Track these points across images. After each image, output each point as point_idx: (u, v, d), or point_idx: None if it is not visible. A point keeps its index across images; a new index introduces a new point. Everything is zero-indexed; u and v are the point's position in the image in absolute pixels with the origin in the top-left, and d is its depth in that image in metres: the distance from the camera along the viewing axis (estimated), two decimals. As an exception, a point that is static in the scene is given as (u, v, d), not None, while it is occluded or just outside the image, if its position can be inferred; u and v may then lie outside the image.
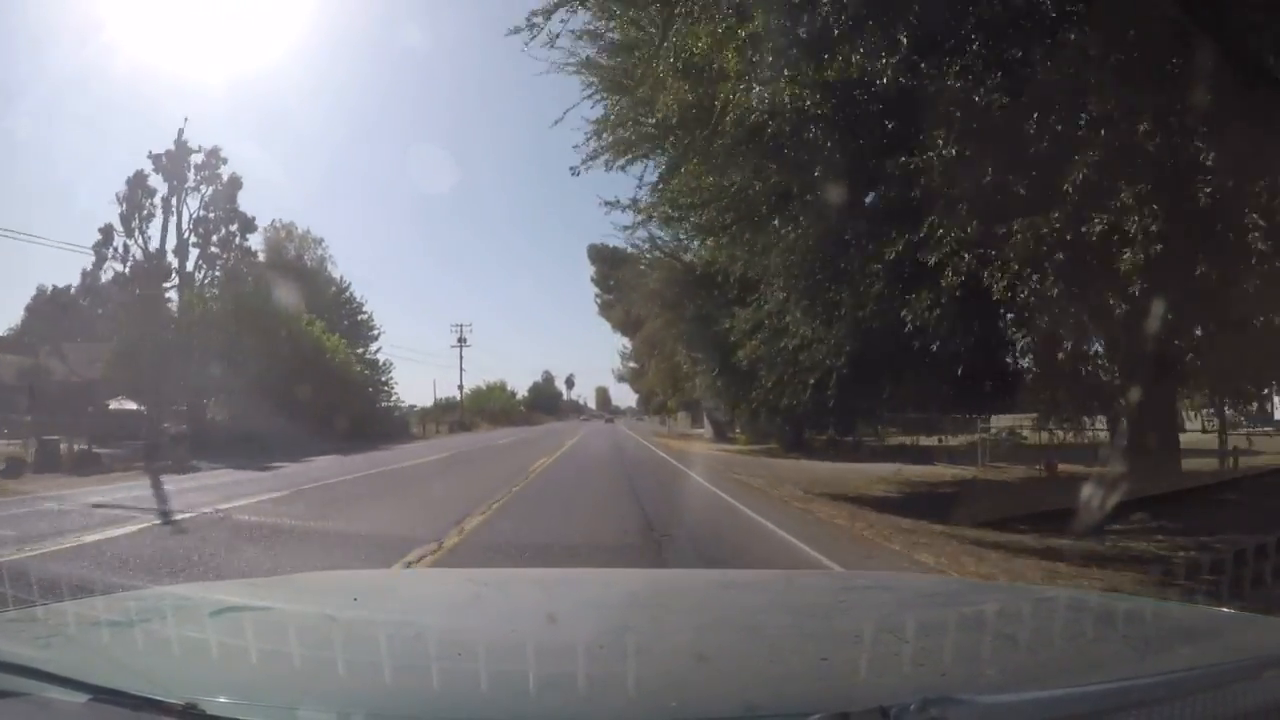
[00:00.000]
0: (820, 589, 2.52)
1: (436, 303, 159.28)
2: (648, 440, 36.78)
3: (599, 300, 54.46)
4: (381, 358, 47.08)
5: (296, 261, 41.58)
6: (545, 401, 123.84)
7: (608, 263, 45.75)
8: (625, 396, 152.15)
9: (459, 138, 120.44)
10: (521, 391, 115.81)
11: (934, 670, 1.33)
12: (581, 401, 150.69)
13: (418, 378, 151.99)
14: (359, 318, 46.50)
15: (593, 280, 52.48)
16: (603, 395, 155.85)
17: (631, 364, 58.70)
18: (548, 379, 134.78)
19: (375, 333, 47.41)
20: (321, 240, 45.70)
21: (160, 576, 5.84)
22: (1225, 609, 1.91)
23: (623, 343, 57.42)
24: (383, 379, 46.16)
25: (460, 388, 69.96)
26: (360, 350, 43.80)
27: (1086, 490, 8.43)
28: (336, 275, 46.52)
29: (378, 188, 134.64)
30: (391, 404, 48.12)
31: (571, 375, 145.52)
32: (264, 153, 74.69)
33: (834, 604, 2.07)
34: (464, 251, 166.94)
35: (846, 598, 2.15)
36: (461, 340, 68.92)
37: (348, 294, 46.28)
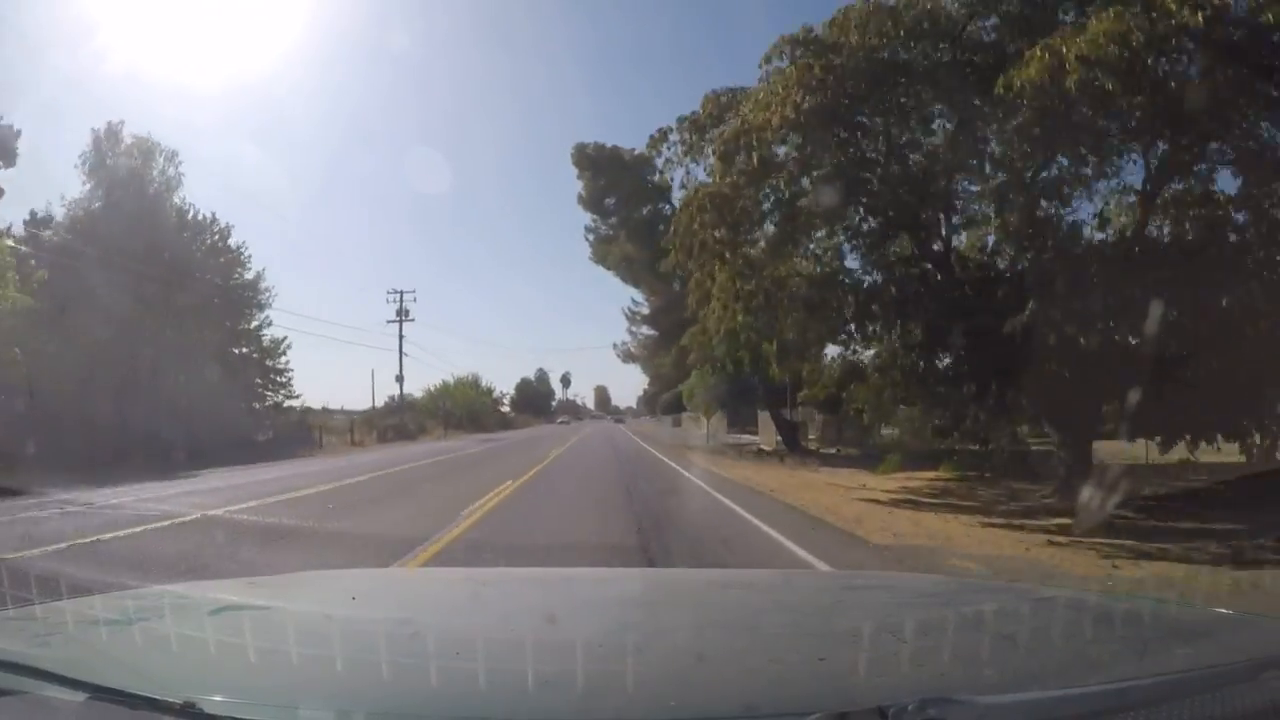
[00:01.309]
0: (819, 589, 2.52)
1: (437, 303, 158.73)
2: (698, 472, 16.85)
3: (591, 236, 34.05)
4: (277, 333, 32.88)
5: (131, 180, 27.68)
6: (535, 401, 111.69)
7: (602, 169, 29.71)
8: (626, 396, 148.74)
9: (451, 135, 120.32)
10: (508, 388, 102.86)
11: (932, 670, 1.34)
12: (579, 401, 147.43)
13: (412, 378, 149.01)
14: (238, 276, 31.41)
15: (580, 201, 31.71)
16: (601, 394, 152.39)
17: (644, 329, 36.87)
18: (541, 376, 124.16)
19: (265, 296, 31.97)
20: (175, 155, 29.22)
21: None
22: (1223, 610, 1.91)
23: (630, 298, 36.71)
24: (272, 365, 32.78)
25: (400, 380, 50.37)
26: (252, 325, 31.80)
27: None
28: (207, 214, 30.39)
29: (372, 185, 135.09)
30: (281, 397, 33.75)
31: (568, 373, 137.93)
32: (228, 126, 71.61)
33: (833, 604, 2.07)
34: (461, 250, 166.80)
35: (845, 597, 2.15)
36: (402, 314, 48.15)
37: (218, 238, 30.57)
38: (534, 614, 1.91)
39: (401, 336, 48.97)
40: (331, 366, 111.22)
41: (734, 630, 1.75)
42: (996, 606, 1.88)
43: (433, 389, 64.19)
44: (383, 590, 2.36)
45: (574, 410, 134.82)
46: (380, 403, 53.63)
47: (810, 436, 27.12)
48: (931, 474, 15.29)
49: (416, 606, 2.06)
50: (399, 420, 46.35)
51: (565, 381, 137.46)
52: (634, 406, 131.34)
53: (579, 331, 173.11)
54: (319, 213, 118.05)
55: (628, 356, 39.98)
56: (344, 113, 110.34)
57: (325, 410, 49.06)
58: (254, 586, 2.30)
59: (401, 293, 49.36)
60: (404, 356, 49.07)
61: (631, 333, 39.18)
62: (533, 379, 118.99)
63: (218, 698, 1.11)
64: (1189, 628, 1.70)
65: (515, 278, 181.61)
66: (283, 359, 33.47)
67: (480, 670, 1.29)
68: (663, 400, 78.95)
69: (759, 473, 16.83)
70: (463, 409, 63.25)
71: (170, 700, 1.08)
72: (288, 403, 34.65)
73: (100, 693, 1.13)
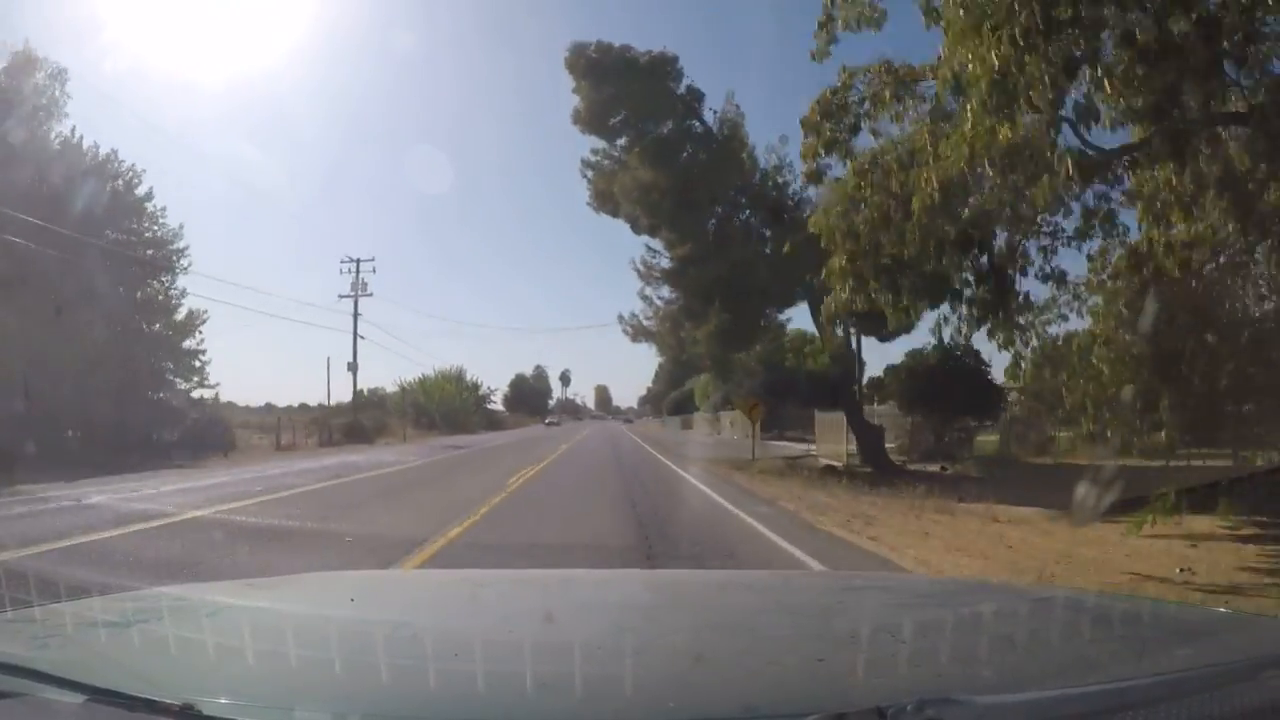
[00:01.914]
0: (817, 589, 2.53)
1: (435, 300, 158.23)
2: (808, 538, 8.23)
3: (590, 172, 23.37)
4: (193, 305, 26.71)
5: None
6: (530, 399, 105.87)
7: (607, 76, 20.98)
8: (628, 396, 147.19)
9: (453, 135, 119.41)
10: (503, 386, 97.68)
11: (930, 671, 1.34)
12: (580, 400, 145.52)
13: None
14: (150, 231, 25.46)
15: (577, 120, 21.74)
16: (602, 394, 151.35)
17: (663, 292, 25.22)
18: (539, 374, 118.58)
19: (177, 254, 25.96)
20: (62, 73, 22.99)
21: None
22: (1222, 609, 1.92)
23: (644, 245, 25.21)
24: (187, 343, 26.59)
25: (353, 369, 40.09)
26: (159, 291, 25.92)
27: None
28: (106, 149, 24.44)
29: (380, 185, 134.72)
30: (193, 384, 27.22)
31: (567, 371, 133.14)
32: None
33: (831, 604, 2.07)
34: (463, 249, 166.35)
35: (844, 598, 2.15)
36: (358, 287, 39.18)
37: (121, 183, 24.67)
38: (532, 616, 1.91)
39: (356, 315, 39.37)
40: (292, 357, 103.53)
41: (732, 632, 1.75)
42: (995, 607, 1.88)
43: (403, 383, 55.57)
44: (381, 592, 2.36)
45: (574, 410, 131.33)
46: (348, 397, 45.61)
47: (894, 439, 19.49)
48: (1211, 522, 8.24)
49: (415, 608, 2.06)
50: (352, 419, 38.10)
51: (564, 380, 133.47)
52: (635, 407, 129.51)
53: (576, 328, 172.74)
54: (312, 202, 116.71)
55: (638, 333, 26.39)
56: (342, 109, 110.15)
57: (271, 407, 43.93)
58: (252, 588, 2.30)
59: (358, 261, 39.59)
60: (362, 340, 40.62)
61: (645, 298, 25.56)
62: (529, 376, 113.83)
63: (216, 699, 1.11)
64: (1188, 627, 1.71)
65: (512, 271, 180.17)
66: (197, 336, 26.92)
67: (479, 672, 1.30)
68: (670, 400, 71.95)
69: (912, 535, 8.63)
70: (439, 407, 54.87)
71: (169, 702, 1.08)
72: (197, 393, 27.79)
73: (99, 694, 1.13)
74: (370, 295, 40.41)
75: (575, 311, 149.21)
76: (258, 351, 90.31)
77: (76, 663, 1.30)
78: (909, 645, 1.46)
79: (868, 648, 1.47)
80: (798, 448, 25.33)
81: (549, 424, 79.22)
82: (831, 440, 21.58)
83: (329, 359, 42.95)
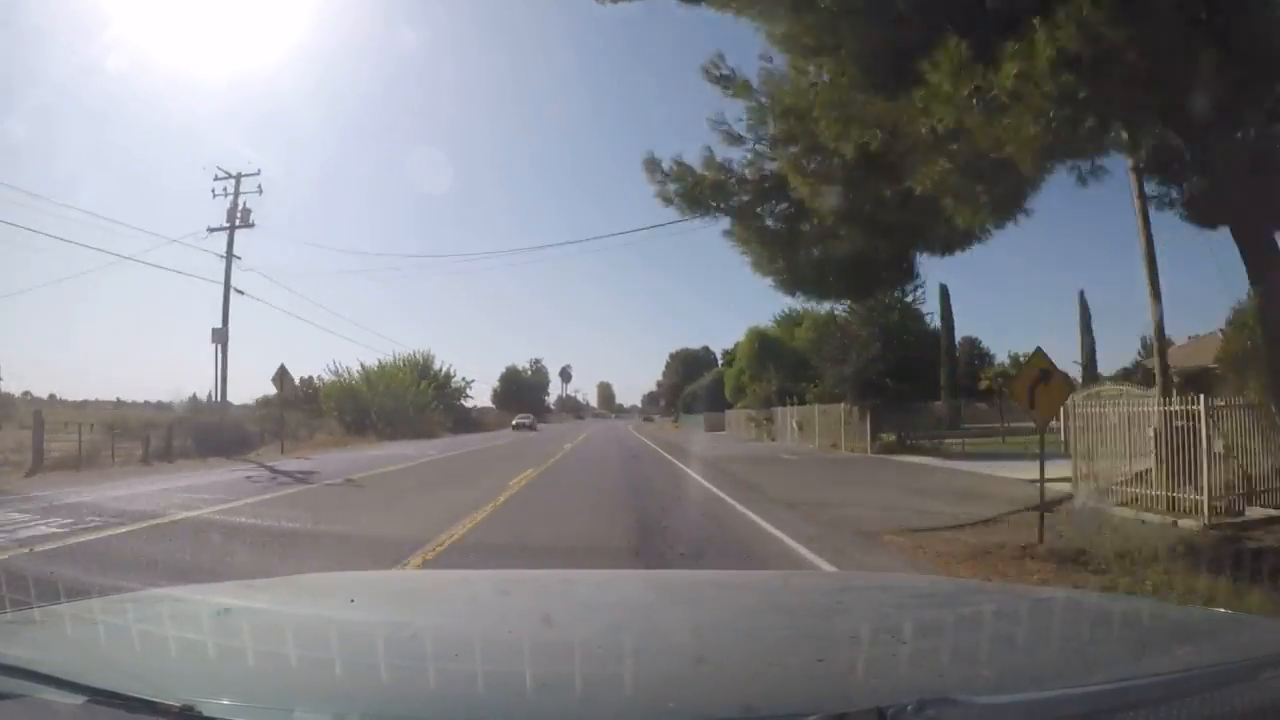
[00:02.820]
0: (817, 589, 2.53)
1: (438, 301, 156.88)
2: None
3: None
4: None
5: None
6: (525, 395, 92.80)
7: None
8: (631, 394, 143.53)
9: (454, 134, 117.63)
10: (491, 380, 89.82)
11: (931, 671, 1.34)
12: (581, 398, 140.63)
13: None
14: None
15: None
16: (604, 391, 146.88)
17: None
18: (537, 368, 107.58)
19: None
20: None
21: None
22: (1222, 609, 1.93)
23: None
24: None
25: (222, 339, 24.96)
26: None
27: None
28: None
29: (379, 184, 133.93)
30: None
31: (567, 366, 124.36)
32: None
33: (831, 605, 2.07)
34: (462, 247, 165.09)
35: (844, 598, 2.15)
36: (236, 215, 25.67)
37: None
38: (532, 616, 1.91)
39: (230, 256, 25.47)
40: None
41: (732, 632, 1.75)
42: (995, 607, 1.88)
43: (341, 371, 43.39)
44: (381, 593, 2.36)
45: (575, 408, 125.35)
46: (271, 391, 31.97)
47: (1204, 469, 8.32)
48: None
49: (415, 609, 2.06)
50: (220, 420, 25.36)
51: (565, 376, 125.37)
52: (639, 405, 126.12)
53: (576, 333, 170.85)
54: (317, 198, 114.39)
55: (695, 196, 8.96)
56: (344, 109, 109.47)
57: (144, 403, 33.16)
58: (252, 589, 2.30)
59: (238, 176, 25.67)
60: (236, 297, 25.75)
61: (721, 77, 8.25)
62: (526, 369, 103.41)
63: (216, 700, 1.11)
64: (1187, 627, 1.71)
65: (522, 280, 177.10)
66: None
67: (478, 673, 1.30)
68: (687, 394, 64.43)
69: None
70: (380, 402, 41.37)
71: (169, 703, 1.08)
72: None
73: (98, 695, 1.13)
74: (252, 226, 26.27)
75: (575, 314, 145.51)
76: (138, 330, 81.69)
77: (76, 664, 1.30)
78: (909, 645, 1.47)
79: (868, 648, 1.47)
80: (973, 468, 13.85)
81: (518, 426, 54.32)
82: (1120, 454, 10.13)
83: (214, 330, 25.47)
